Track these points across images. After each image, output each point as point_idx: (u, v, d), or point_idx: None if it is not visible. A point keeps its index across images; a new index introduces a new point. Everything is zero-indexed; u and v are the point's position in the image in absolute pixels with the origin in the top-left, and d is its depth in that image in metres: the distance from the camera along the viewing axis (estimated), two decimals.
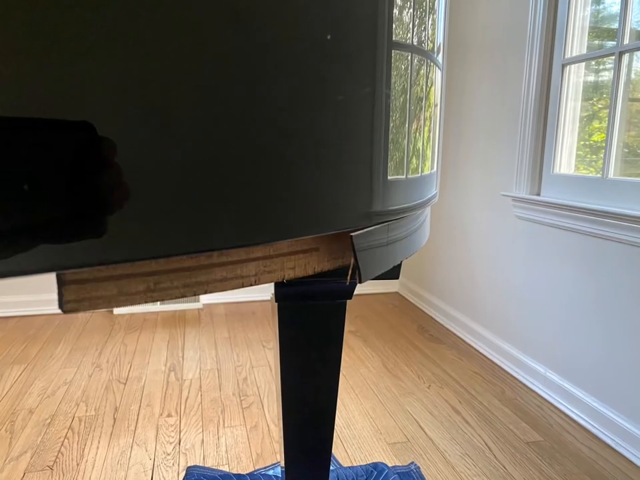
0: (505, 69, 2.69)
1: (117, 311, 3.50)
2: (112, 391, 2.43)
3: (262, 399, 2.36)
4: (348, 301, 0.76)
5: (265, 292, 3.83)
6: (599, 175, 2.16)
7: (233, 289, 0.44)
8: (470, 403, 2.35)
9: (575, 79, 2.34)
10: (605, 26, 2.24)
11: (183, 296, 0.41)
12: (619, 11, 2.07)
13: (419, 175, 0.61)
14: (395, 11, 0.49)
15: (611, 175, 2.09)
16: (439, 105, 0.68)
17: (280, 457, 1.80)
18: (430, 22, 0.59)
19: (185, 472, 1.85)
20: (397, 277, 0.75)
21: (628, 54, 2.04)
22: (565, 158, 2.39)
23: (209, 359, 2.79)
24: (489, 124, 2.85)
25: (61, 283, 0.34)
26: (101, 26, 0.30)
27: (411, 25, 0.53)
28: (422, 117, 0.59)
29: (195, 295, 0.42)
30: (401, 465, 1.91)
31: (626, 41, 2.03)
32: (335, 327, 0.77)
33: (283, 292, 0.72)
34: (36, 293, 3.47)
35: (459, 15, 3.11)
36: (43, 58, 0.28)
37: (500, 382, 2.57)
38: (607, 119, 2.14)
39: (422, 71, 0.58)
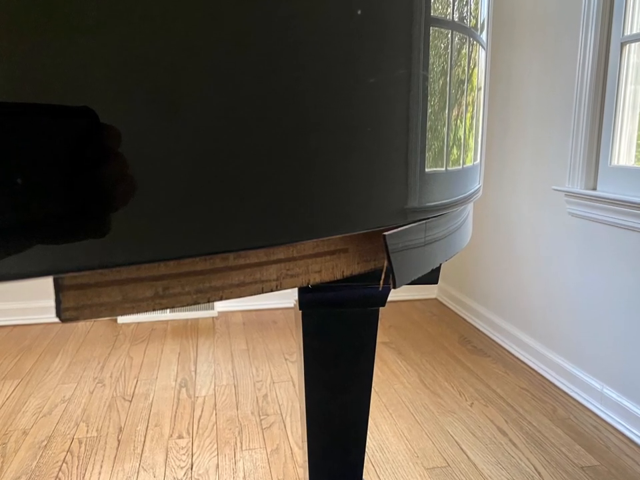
0: (556, 48, 2.66)
1: (122, 319, 3.53)
2: (116, 409, 2.45)
3: (284, 418, 2.37)
4: (381, 309, 0.75)
5: (287, 298, 3.84)
6: None
7: (252, 294, 0.44)
8: (517, 423, 2.33)
9: (636, 59, 2.30)
10: None
11: (196, 303, 0.40)
12: None
13: (460, 167, 0.60)
14: None
15: None
16: (482, 89, 0.68)
17: None
18: None
19: None
20: (435, 282, 0.74)
21: None
22: (625, 148, 2.36)
23: (224, 373, 2.80)
24: (538, 110, 2.82)
25: (58, 288, 0.34)
26: None
27: None
28: (464, 102, 0.59)
29: (208, 302, 0.41)
30: None
31: None
32: (366, 337, 0.77)
33: (308, 298, 0.72)
34: (31, 300, 3.50)
35: None
36: (38, 35, 0.28)
37: (551, 399, 2.54)
38: None
39: (464, 50, 0.57)
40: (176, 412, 2.41)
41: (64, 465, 2.04)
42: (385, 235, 0.47)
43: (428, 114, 0.50)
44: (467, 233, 0.73)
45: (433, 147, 0.52)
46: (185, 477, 1.97)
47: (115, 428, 2.28)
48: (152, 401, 2.51)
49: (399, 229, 0.49)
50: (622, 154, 2.36)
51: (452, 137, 0.56)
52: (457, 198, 0.60)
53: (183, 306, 0.40)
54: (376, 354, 3.01)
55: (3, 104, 0.27)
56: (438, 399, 2.53)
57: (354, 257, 0.52)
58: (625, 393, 2.28)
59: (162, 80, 0.32)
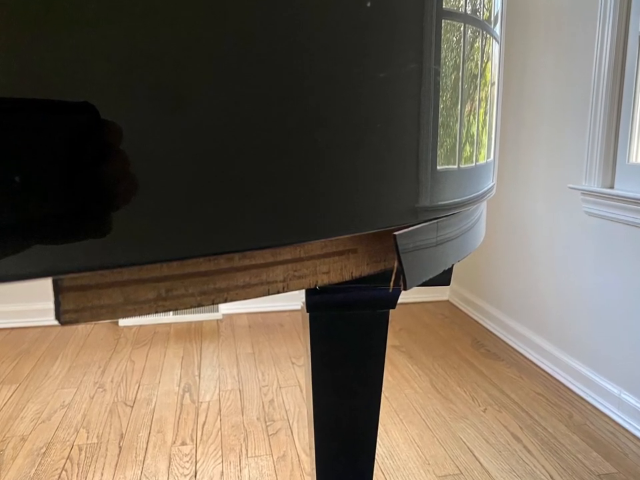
0: (572, 41, 2.65)
1: (123, 322, 3.54)
2: (117, 415, 2.45)
3: (291, 424, 2.37)
4: (391, 311, 0.75)
5: (294, 300, 3.83)
6: None
7: (258, 296, 0.44)
8: (532, 429, 2.32)
9: None
10: None
11: (200, 305, 0.40)
12: None
13: (473, 164, 0.60)
14: None
15: None
16: (496, 84, 0.67)
17: None
18: None
19: None
20: (447, 283, 0.74)
21: None
22: None
23: (229, 378, 2.80)
24: (554, 106, 2.82)
25: (58, 290, 0.34)
26: None
27: None
28: (477, 98, 0.58)
29: (213, 304, 0.41)
30: None
31: None
32: (376, 340, 0.77)
33: (316, 300, 0.72)
34: (29, 302, 3.49)
35: None
36: (36, 27, 0.28)
37: (567, 404, 2.53)
38: None
39: (477, 44, 0.57)
40: (179, 418, 2.41)
41: (63, 472, 2.04)
42: (395, 235, 0.47)
43: (440, 110, 0.50)
44: (479, 233, 0.73)
45: (445, 143, 0.51)
46: None
47: (116, 434, 2.28)
48: (154, 406, 2.51)
49: (410, 228, 0.49)
50: None
51: (464, 134, 0.56)
52: (469, 196, 0.60)
53: (187, 308, 0.39)
54: (386, 358, 3.00)
55: (0, 99, 0.27)
56: (450, 404, 2.53)
57: (363, 257, 0.51)
58: None
59: (164, 75, 0.32)
